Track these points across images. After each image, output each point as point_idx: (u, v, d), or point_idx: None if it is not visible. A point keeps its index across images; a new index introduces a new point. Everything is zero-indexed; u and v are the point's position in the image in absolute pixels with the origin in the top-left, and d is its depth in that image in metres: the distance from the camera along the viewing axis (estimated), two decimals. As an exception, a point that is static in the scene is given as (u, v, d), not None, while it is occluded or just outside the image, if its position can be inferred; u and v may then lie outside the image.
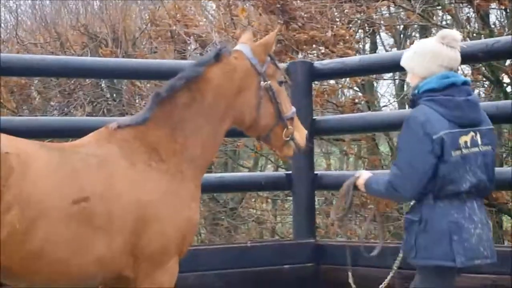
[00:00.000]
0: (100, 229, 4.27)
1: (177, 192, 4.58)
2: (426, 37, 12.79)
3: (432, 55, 4.78)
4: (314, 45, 11.32)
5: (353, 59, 7.48)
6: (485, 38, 10.20)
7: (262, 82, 4.89)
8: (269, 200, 13.20)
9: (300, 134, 5.11)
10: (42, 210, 4.09)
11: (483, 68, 11.01)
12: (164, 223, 4.48)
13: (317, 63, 7.63)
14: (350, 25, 12.04)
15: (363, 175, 5.01)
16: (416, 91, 4.81)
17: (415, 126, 4.63)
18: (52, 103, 14.99)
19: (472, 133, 4.68)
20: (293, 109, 5.10)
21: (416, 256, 4.71)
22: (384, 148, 14.05)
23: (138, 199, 4.40)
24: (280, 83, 5.03)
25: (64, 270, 4.23)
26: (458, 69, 4.81)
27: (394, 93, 14.64)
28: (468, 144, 4.65)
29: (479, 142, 4.69)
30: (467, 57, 6.56)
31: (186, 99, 4.74)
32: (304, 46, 11.17)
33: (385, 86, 15.32)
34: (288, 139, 5.02)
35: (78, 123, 6.83)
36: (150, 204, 4.43)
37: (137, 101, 13.30)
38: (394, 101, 14.30)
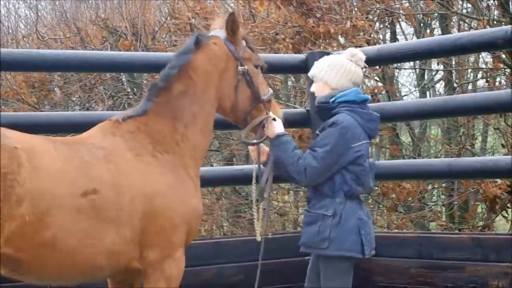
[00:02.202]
0: (109, 220, 4.32)
1: (182, 182, 4.65)
2: (447, 25, 12.77)
3: (344, 70, 5.34)
4: (332, 38, 11.28)
5: (372, 48, 7.42)
6: (505, 25, 10.13)
7: (239, 67, 5.00)
8: (291, 192, 13.18)
9: (278, 114, 5.28)
10: (52, 202, 4.14)
11: (504, 56, 10.94)
12: (171, 213, 4.53)
13: (335, 53, 7.60)
14: (369, 15, 12.00)
15: (278, 125, 5.22)
16: (331, 100, 5.29)
17: (341, 130, 5.14)
18: (73, 98, 15.05)
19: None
20: (270, 91, 5.24)
21: (328, 247, 5.14)
22: (405, 138, 14.02)
23: (145, 190, 4.45)
24: (257, 66, 5.14)
25: (73, 261, 4.27)
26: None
27: (414, 82, 14.60)
28: (372, 154, 5.42)
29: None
30: (487, 45, 6.54)
31: (180, 89, 4.83)
32: (323, 38, 11.14)
33: (405, 76, 15.27)
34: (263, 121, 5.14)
35: (99, 118, 6.82)
36: (157, 195, 4.49)
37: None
38: (415, 91, 14.26)
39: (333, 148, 5.09)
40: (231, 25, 4.98)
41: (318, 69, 5.44)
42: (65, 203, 4.18)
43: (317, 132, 5.34)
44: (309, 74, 5.53)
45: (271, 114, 5.17)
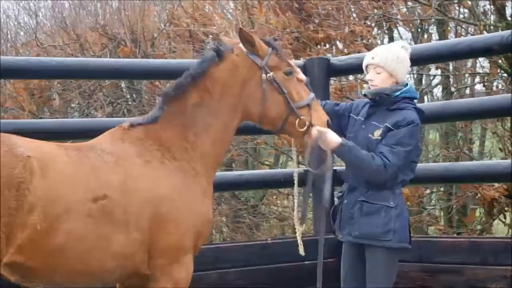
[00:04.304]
0: (118, 225, 4.35)
1: (190, 188, 4.65)
2: (444, 31, 12.81)
3: (408, 65, 5.30)
4: (330, 43, 11.33)
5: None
6: (502, 31, 10.18)
7: (263, 76, 4.89)
8: (290, 197, 13.21)
9: (320, 119, 5.06)
10: (63, 208, 4.18)
11: (500, 61, 10.97)
12: (179, 219, 4.55)
13: (334, 59, 7.64)
14: (367, 21, 12.05)
15: (331, 133, 5.05)
16: (395, 94, 5.20)
17: (417, 129, 5.18)
18: (72, 104, 15.08)
19: None
20: (310, 95, 5.06)
21: (392, 239, 5.08)
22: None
23: (153, 195, 4.48)
24: (287, 73, 4.99)
25: (84, 266, 4.31)
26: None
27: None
28: None
29: None
30: (484, 50, 6.59)
31: (195, 99, 4.81)
32: (321, 44, 11.19)
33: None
34: (304, 128, 4.98)
35: (98, 124, 6.85)
36: (165, 200, 4.51)
37: (157, 101, 13.34)
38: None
39: (413, 147, 5.12)
40: (245, 40, 4.89)
41: (388, 60, 5.23)
42: (76, 208, 4.22)
43: (387, 125, 5.16)
44: (372, 61, 5.29)
45: (317, 127, 4.97)
